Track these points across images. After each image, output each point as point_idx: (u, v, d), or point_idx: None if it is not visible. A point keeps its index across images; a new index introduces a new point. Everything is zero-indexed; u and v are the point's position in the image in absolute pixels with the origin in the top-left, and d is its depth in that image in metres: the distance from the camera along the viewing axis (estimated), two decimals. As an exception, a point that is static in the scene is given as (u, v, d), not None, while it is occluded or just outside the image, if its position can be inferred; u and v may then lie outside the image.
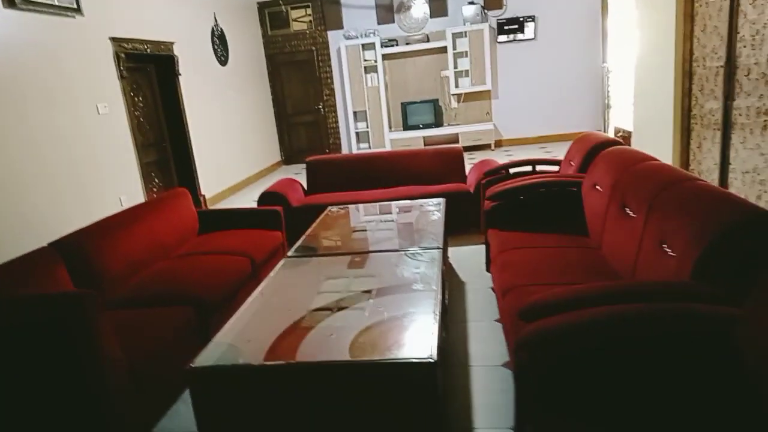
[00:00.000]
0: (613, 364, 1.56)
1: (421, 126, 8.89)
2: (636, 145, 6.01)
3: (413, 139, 8.72)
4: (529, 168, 4.29)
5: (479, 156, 7.80)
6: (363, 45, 8.76)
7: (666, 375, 1.53)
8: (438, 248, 2.84)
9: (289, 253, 2.98)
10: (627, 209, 2.46)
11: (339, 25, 8.93)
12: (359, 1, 8.73)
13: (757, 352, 1.34)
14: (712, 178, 4.52)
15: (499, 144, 8.86)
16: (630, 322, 1.55)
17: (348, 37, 8.84)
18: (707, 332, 1.52)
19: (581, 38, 8.28)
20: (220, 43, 7.40)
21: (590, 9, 8.12)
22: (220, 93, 7.35)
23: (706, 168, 4.63)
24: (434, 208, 3.64)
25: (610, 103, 7.58)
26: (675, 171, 2.39)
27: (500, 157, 7.78)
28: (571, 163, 3.78)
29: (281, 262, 2.84)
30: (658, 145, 5.29)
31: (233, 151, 7.67)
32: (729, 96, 4.14)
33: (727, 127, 4.22)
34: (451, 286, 3.44)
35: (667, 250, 1.98)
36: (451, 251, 3.88)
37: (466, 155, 7.46)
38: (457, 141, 8.58)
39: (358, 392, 1.82)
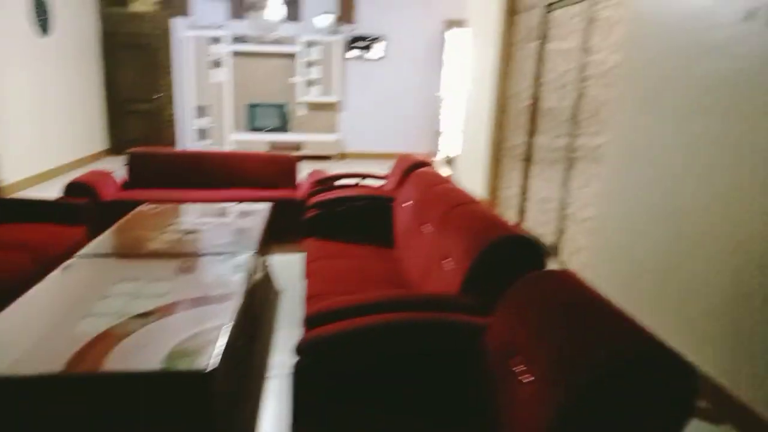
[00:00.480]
0: (381, 367, 1.66)
1: (267, 129, 8.76)
2: (459, 170, 6.57)
3: (258, 142, 8.55)
4: (357, 180, 4.45)
5: (323, 166, 7.89)
6: (211, 38, 8.42)
7: (428, 377, 1.67)
8: (249, 254, 2.80)
9: (80, 252, 2.72)
10: (424, 226, 2.66)
11: (186, 12, 8.47)
12: (210, -9, 8.38)
13: (486, 357, 1.52)
14: (514, 204, 5.09)
15: (343, 156, 9.05)
16: (393, 331, 1.67)
17: (195, 27, 8.43)
18: (462, 339, 1.69)
19: (423, 65, 8.84)
20: (38, 8, 6.56)
21: (433, 38, 8.72)
22: (34, 65, 6.51)
23: (510, 195, 5.20)
24: (256, 214, 3.59)
25: (440, 130, 8.20)
26: (462, 194, 2.64)
27: (340, 169, 7.97)
28: (392, 179, 4.00)
29: (68, 262, 2.58)
30: (476, 172, 5.83)
31: (47, 133, 6.82)
32: (532, 133, 4.71)
33: (528, 162, 4.79)
34: (268, 294, 3.41)
35: (448, 264, 2.18)
36: (275, 259, 3.86)
37: (310, 164, 7.51)
38: (302, 148, 8.60)
39: (129, 405, 1.71)
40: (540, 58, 4.53)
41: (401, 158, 4.08)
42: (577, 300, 1.40)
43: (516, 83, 5.06)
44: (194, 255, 2.78)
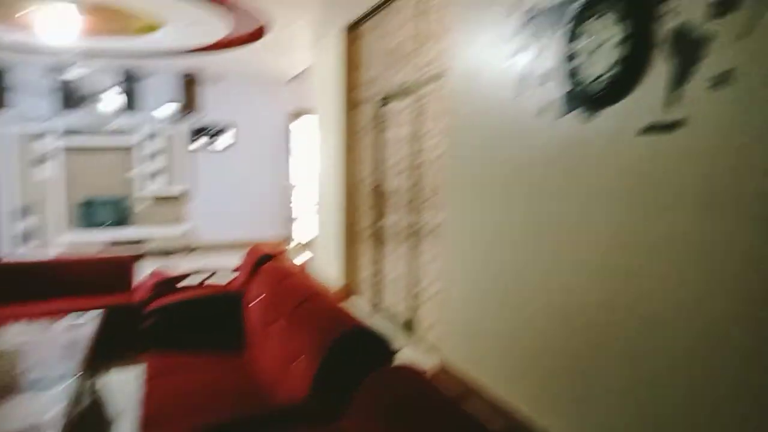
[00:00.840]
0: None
1: (105, 224, 8.05)
2: (315, 256, 6.57)
3: (94, 242, 7.79)
4: (203, 277, 4.18)
5: (170, 262, 7.38)
6: (36, 133, 7.70)
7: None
8: (73, 378, 2.42)
9: None
10: (275, 324, 2.53)
11: (3, 105, 7.70)
12: (36, 81, 7.75)
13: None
14: (370, 285, 5.15)
15: (193, 248, 8.59)
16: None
17: (16, 121, 7.66)
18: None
19: (272, 153, 8.93)
20: None
21: (280, 126, 8.90)
22: None
23: (367, 276, 5.26)
24: (83, 326, 3.17)
25: (293, 216, 8.21)
26: (313, 286, 2.59)
27: (189, 264, 7.52)
28: (242, 274, 3.83)
29: None
30: (332, 256, 5.86)
31: None
32: (380, 214, 4.88)
33: (379, 243, 4.93)
34: (99, 424, 2.96)
35: (299, 364, 2.07)
36: (109, 378, 3.40)
37: (155, 261, 6.97)
38: (145, 243, 7.99)
39: None
40: (380, 146, 4.80)
41: (251, 250, 3.95)
42: (420, 402, 1.38)
43: (362, 168, 5.28)
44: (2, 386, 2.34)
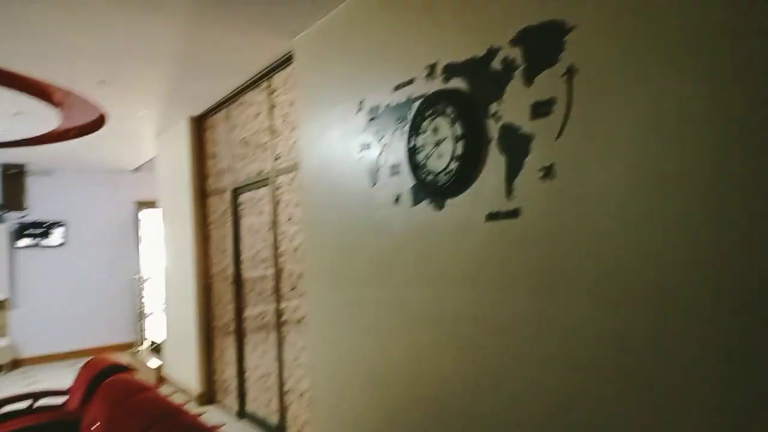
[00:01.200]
0: None
1: None
2: (168, 359, 5.98)
3: None
4: (29, 403, 3.54)
5: (-17, 383, 6.21)
6: None
7: None
8: None
9: None
10: (118, 453, 2.19)
11: None
12: None
13: None
14: (233, 388, 4.77)
15: (17, 364, 7.34)
16: None
17: None
18: None
19: (116, 247, 8.17)
20: None
21: (126, 217, 8.23)
22: None
23: (228, 377, 4.88)
24: None
25: (144, 314, 7.48)
26: (163, 404, 2.31)
27: (12, 383, 6.41)
28: (77, 393, 3.31)
29: None
30: (186, 357, 5.37)
31: None
32: (241, 308, 4.63)
33: (240, 337, 4.64)
34: None
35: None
36: None
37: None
38: (-48, 366, 6.65)
39: None
40: (238, 235, 4.64)
41: (87, 365, 3.45)
42: None
43: (219, 260, 5.03)
44: None
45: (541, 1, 1.83)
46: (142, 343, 7.39)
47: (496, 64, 1.99)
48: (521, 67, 1.89)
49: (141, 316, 7.51)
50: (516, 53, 1.91)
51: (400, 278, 2.49)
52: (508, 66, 1.94)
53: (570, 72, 1.73)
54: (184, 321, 5.41)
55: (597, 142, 1.66)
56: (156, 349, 6.70)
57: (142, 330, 7.46)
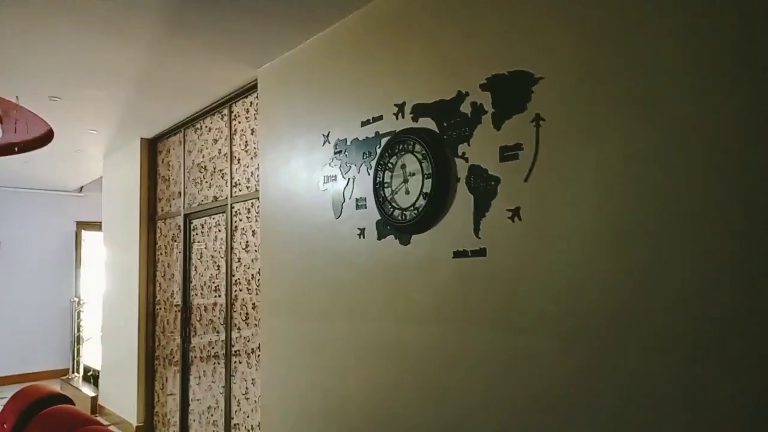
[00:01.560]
0: None
1: None
2: (103, 386, 5.65)
3: None
4: (-52, 439, 3.24)
5: None
6: None
7: None
8: None
9: None
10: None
11: None
12: None
13: None
14: (174, 421, 4.56)
15: (-70, 394, 6.72)
16: None
17: None
18: None
19: (54, 269, 7.72)
20: None
21: (65, 239, 7.81)
22: None
23: (170, 409, 4.66)
24: None
25: (81, 339, 7.07)
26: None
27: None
28: (5, 426, 3.07)
29: None
30: (125, 386, 5.10)
31: None
32: (186, 337, 4.46)
33: (185, 368, 4.45)
34: None
35: None
36: None
37: None
38: None
39: None
40: (187, 262, 4.50)
41: (16, 396, 3.20)
42: None
43: (166, 286, 4.84)
44: None
45: (509, 51, 1.92)
46: (76, 371, 6.95)
47: (465, 107, 2.06)
48: (490, 112, 1.97)
49: (77, 341, 7.08)
50: (485, 98, 1.99)
51: (363, 312, 2.49)
52: (477, 110, 2.02)
53: (538, 119, 1.82)
54: (125, 348, 5.15)
55: (563, 186, 1.75)
56: (92, 377, 6.32)
57: (77, 357, 7.03)
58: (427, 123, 2.22)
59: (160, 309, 4.92)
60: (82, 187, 7.63)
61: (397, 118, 2.35)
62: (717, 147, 1.42)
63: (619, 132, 1.62)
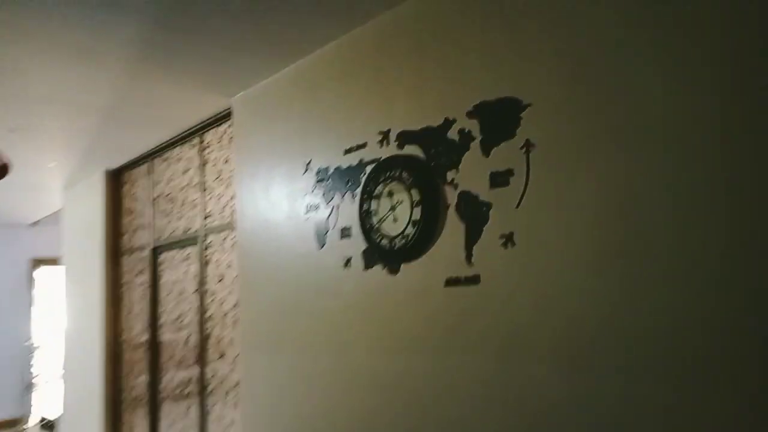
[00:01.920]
0: None
1: None
2: (65, 433, 5.30)
3: None
4: None
5: None
6: None
7: None
8: None
9: None
10: None
11: None
12: None
13: None
14: (144, 466, 4.30)
15: None
16: None
17: None
18: None
19: (5, 309, 7.29)
20: None
21: (18, 276, 7.41)
22: None
23: (138, 455, 4.40)
24: None
25: (34, 385, 6.66)
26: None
27: None
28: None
29: None
30: (88, 433, 4.81)
31: None
32: (155, 378, 4.24)
33: (155, 410, 4.23)
34: None
35: None
36: None
37: None
38: None
39: None
40: (155, 298, 4.31)
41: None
42: None
43: (131, 324, 4.62)
44: None
45: (496, 78, 1.93)
46: (29, 420, 6.52)
47: (452, 134, 2.06)
48: (478, 139, 1.97)
49: (30, 387, 6.66)
50: (473, 125, 1.99)
51: (351, 344, 2.41)
52: (465, 136, 2.01)
53: (528, 146, 1.83)
54: (87, 393, 4.87)
55: (557, 213, 1.74)
56: (48, 426, 5.94)
57: (30, 404, 6.60)
58: (413, 150, 2.20)
59: (126, 349, 4.68)
60: (38, 221, 7.30)
61: (381, 146, 2.33)
62: (710, 175, 1.44)
63: (611, 158, 1.63)
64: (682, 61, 1.50)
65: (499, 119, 1.91)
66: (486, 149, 1.95)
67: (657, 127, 1.54)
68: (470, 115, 2.00)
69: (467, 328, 1.97)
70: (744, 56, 1.40)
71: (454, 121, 2.06)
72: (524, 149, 1.84)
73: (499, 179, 1.90)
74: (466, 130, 2.01)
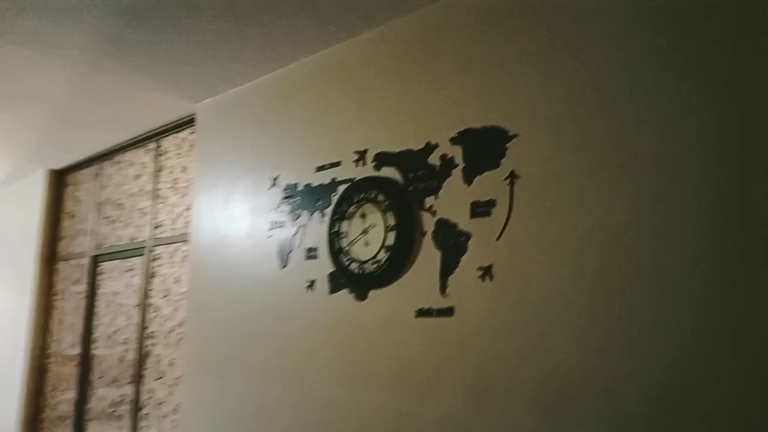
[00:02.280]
0: None
1: None
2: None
3: None
4: None
5: None
6: None
7: None
8: None
9: None
10: None
11: None
12: None
13: None
14: (62, 495, 3.92)
15: None
16: None
17: None
18: None
19: None
20: None
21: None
22: None
23: (56, 482, 4.01)
24: None
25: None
26: None
27: None
28: None
29: None
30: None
31: None
32: (83, 395, 3.91)
33: (80, 430, 3.88)
34: None
35: None
36: None
37: None
38: None
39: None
40: (92, 310, 4.00)
41: None
42: None
43: (61, 337, 4.26)
44: None
45: (483, 107, 1.89)
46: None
47: (433, 159, 1.99)
48: (460, 166, 1.92)
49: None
50: (456, 151, 1.94)
51: (310, 374, 2.27)
52: (447, 163, 1.95)
53: (513, 177, 1.78)
54: (1, 409, 4.43)
55: (540, 247, 1.69)
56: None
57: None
58: (390, 173, 2.12)
59: (54, 362, 4.31)
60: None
61: (357, 165, 2.24)
62: (697, 217, 1.42)
63: (598, 196, 1.60)
64: (679, 95, 1.49)
65: (484, 148, 1.86)
66: (468, 177, 1.89)
67: (645, 166, 1.52)
68: (454, 141, 1.95)
69: (437, 362, 1.88)
70: (735, 99, 1.40)
71: (436, 146, 1.99)
72: (508, 180, 1.79)
73: (480, 209, 1.84)
74: (449, 157, 1.95)
